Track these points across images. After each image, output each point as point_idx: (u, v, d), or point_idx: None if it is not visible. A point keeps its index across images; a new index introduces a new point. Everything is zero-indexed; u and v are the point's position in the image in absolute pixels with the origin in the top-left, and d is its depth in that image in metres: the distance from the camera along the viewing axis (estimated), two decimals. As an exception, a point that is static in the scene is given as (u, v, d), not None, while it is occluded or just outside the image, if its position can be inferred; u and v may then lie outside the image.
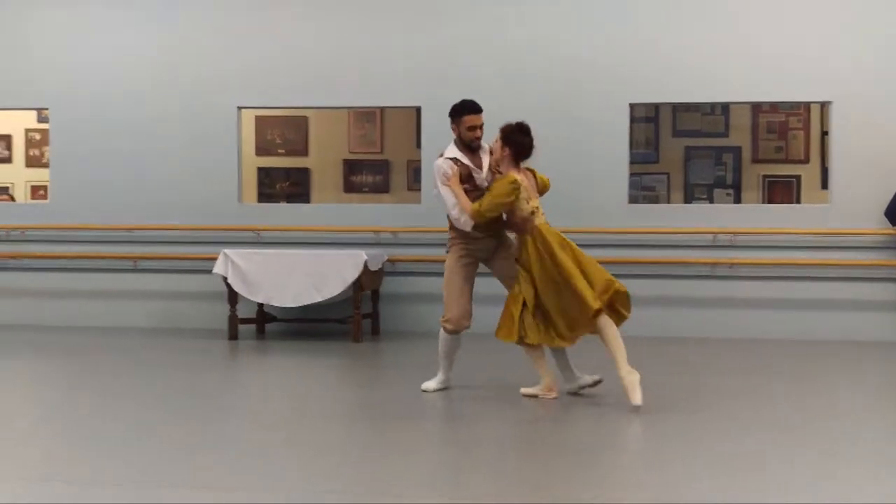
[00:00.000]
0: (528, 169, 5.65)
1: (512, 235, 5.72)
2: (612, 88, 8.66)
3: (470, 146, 5.57)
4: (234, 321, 8.29)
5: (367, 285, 8.25)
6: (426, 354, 7.45)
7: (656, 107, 10.03)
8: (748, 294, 8.52)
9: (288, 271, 8.14)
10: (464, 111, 5.52)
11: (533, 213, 5.47)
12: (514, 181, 5.40)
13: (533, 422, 5.19)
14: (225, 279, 8.17)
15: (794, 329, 8.41)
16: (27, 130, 11.56)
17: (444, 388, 5.82)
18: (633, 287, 8.54)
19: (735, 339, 8.31)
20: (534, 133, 5.61)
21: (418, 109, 9.19)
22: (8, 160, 11.64)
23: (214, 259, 8.25)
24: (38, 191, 11.54)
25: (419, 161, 9.27)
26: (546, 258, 5.40)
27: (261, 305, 8.52)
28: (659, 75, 8.64)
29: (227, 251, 8.19)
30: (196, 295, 8.99)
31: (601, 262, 8.37)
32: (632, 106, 8.79)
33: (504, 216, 5.59)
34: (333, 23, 9.03)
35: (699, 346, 7.98)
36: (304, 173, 10.88)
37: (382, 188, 10.76)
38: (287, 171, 10.90)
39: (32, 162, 11.60)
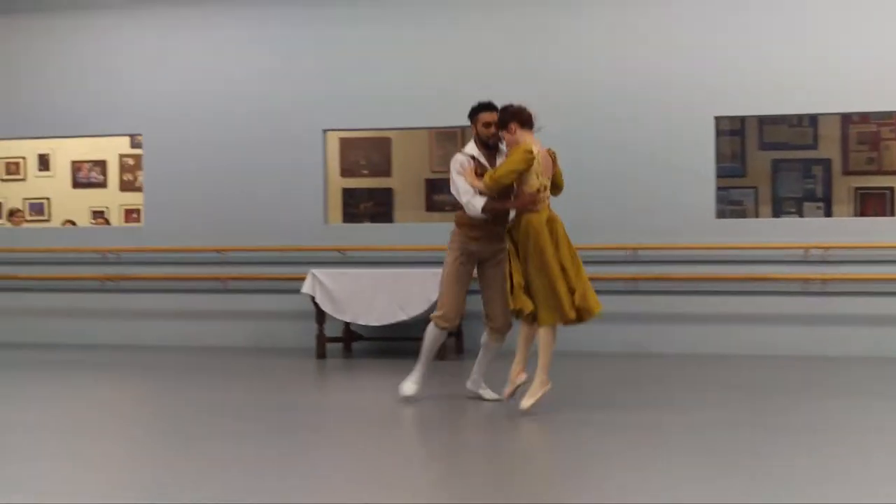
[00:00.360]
0: (551, 152, 5.73)
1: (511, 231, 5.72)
2: (697, 102, 8.55)
3: (487, 144, 5.84)
4: (321, 340, 8.42)
5: (452, 304, 8.27)
6: (505, 374, 7.44)
7: (742, 119, 9.86)
8: (842, 311, 8.27)
9: (373, 291, 8.24)
10: (480, 110, 5.88)
11: (539, 191, 5.53)
12: (530, 150, 5.49)
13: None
14: (313, 298, 8.31)
15: (890, 347, 8.13)
16: (121, 156, 11.97)
17: (420, 386, 6.02)
18: (722, 304, 8.56)
19: (828, 357, 8.08)
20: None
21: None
22: (103, 185, 12.07)
23: (302, 279, 8.40)
24: (131, 214, 11.93)
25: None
26: (531, 244, 5.46)
27: (347, 324, 8.63)
28: (744, 87, 8.51)
29: (315, 271, 8.33)
30: (285, 314, 9.16)
31: (689, 279, 8.46)
32: (717, 119, 8.66)
33: (514, 189, 5.61)
34: (415, 45, 9.13)
35: (790, 365, 7.78)
36: (386, 193, 11.01)
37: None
38: (370, 192, 11.05)
39: (126, 186, 12.00)
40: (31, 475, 4.39)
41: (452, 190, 5.84)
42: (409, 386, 6.02)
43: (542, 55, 8.88)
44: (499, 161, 5.83)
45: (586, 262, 8.60)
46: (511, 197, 5.64)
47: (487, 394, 6.12)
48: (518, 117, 5.61)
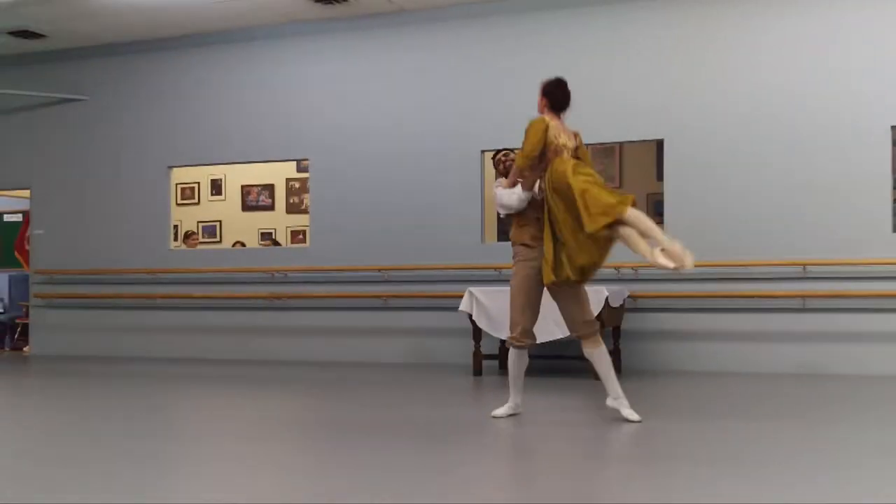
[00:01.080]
0: (576, 133, 5.94)
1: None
2: (872, 111, 8.14)
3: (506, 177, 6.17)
4: (478, 357, 8.47)
5: (609, 322, 8.15)
6: (669, 394, 7.26)
7: (920, 128, 9.29)
8: None
9: (529, 308, 8.19)
10: (494, 155, 6.57)
11: (558, 146, 5.70)
12: (541, 119, 5.81)
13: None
14: (470, 316, 8.38)
15: None
16: (288, 180, 12.50)
17: (514, 414, 5.93)
18: (903, 322, 8.06)
19: None
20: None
21: (660, 142, 9.07)
22: (271, 207, 12.64)
23: (460, 297, 8.49)
24: (296, 235, 12.42)
25: (660, 193, 9.11)
26: (567, 178, 5.53)
27: (503, 341, 8.64)
28: (923, 94, 8.04)
29: (472, 289, 8.39)
30: (443, 331, 9.29)
31: (863, 296, 8.01)
32: (893, 128, 8.20)
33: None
34: (570, 63, 9.11)
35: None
36: (542, 211, 10.99)
37: (622, 223, 10.64)
38: (526, 210, 11.05)
39: (292, 209, 12.52)
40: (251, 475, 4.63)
41: (498, 208, 5.98)
42: (500, 410, 5.98)
43: (699, 70, 8.67)
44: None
45: (753, 279, 8.39)
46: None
47: (628, 413, 5.84)
48: (553, 98, 5.92)
